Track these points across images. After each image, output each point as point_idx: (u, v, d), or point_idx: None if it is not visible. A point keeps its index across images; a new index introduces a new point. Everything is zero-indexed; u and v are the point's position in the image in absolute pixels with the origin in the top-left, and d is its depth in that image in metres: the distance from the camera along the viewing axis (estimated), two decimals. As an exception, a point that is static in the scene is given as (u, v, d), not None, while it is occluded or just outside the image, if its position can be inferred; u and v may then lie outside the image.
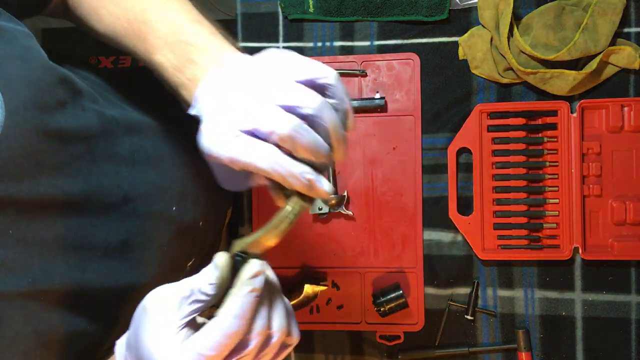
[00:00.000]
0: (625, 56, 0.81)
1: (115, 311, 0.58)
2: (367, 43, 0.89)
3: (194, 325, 0.43)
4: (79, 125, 0.50)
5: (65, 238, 0.49)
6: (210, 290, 0.42)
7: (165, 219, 0.63)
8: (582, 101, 0.83)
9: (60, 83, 0.49)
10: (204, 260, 0.77)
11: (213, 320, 0.41)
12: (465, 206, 0.86)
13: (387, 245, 0.88)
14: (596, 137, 0.84)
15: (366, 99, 0.88)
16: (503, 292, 0.87)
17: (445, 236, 0.88)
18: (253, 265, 0.42)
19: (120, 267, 0.56)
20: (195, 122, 0.68)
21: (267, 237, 0.44)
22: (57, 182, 0.48)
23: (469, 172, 0.86)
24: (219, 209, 0.81)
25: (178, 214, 0.65)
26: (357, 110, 0.88)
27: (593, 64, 0.80)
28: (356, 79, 0.88)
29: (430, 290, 0.88)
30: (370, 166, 0.89)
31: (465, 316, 0.86)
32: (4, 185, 0.43)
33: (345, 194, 0.88)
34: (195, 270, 0.72)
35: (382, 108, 0.87)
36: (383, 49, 0.88)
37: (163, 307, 0.42)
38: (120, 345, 0.47)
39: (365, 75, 0.88)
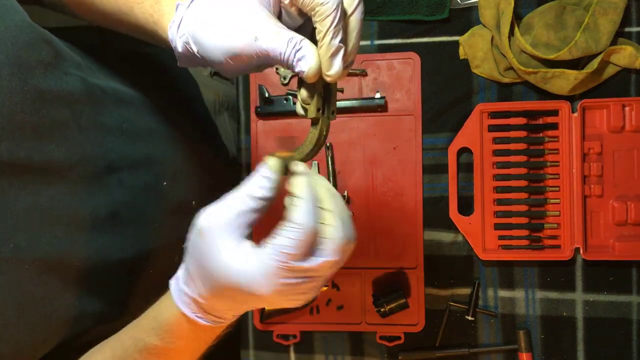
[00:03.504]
0: (626, 56, 0.80)
1: (109, 290, 0.57)
2: (367, 42, 0.88)
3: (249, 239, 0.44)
4: (61, 88, 0.49)
5: (50, 207, 0.48)
6: (267, 192, 0.43)
7: (155, 194, 0.62)
8: (583, 101, 0.82)
9: (41, 43, 0.48)
10: None
11: (284, 225, 0.42)
12: (465, 206, 0.86)
13: (387, 245, 0.88)
14: (597, 136, 0.84)
15: (366, 98, 0.87)
16: (504, 293, 0.86)
17: (445, 236, 0.87)
18: (304, 165, 0.44)
19: (111, 241, 0.55)
20: (191, 99, 0.68)
21: (303, 156, 0.47)
22: (40, 147, 0.47)
23: (470, 172, 0.86)
24: (216, 191, 0.80)
25: (169, 189, 0.65)
26: (357, 110, 0.88)
27: (594, 64, 0.79)
28: (356, 78, 0.88)
29: (431, 291, 0.88)
30: (370, 166, 0.88)
31: (466, 317, 0.86)
32: None
33: (346, 194, 0.88)
34: None
35: (383, 108, 0.87)
36: (383, 48, 0.88)
37: (222, 224, 0.42)
38: (176, 283, 0.47)
39: (366, 75, 0.88)
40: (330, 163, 0.88)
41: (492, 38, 0.84)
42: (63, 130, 0.49)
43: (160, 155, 0.64)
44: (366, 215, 0.88)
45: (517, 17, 0.84)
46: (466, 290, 0.87)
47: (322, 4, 0.40)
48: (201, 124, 0.83)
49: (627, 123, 0.83)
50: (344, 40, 0.42)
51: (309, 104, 0.45)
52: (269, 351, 0.91)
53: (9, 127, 0.44)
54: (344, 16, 0.42)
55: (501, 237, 0.85)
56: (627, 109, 0.82)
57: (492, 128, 0.85)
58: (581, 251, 0.82)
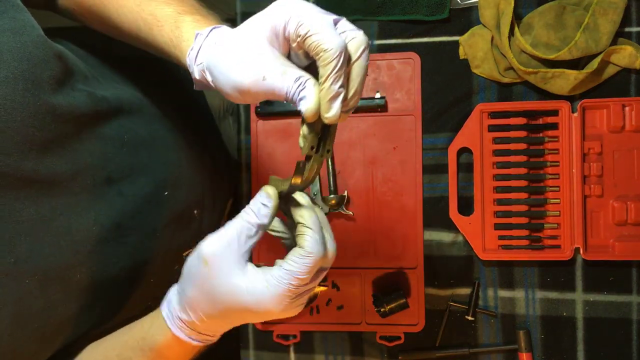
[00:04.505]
0: (626, 56, 0.80)
1: (107, 298, 0.57)
2: (367, 42, 0.88)
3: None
4: (70, 104, 0.50)
5: (52, 218, 0.48)
6: (266, 219, 0.46)
7: (156, 203, 0.62)
8: (583, 101, 0.82)
9: (54, 59, 0.48)
10: None
11: (296, 250, 0.46)
12: (465, 206, 0.86)
13: (387, 245, 0.88)
14: (597, 136, 0.84)
15: (366, 98, 0.87)
16: (504, 293, 0.86)
17: (445, 236, 0.87)
18: (303, 196, 0.49)
19: (113, 251, 0.56)
20: (196, 104, 0.67)
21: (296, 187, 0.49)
22: (44, 159, 0.47)
23: (470, 172, 0.86)
24: (217, 199, 0.80)
25: (171, 199, 0.65)
26: (358, 110, 0.88)
27: (594, 64, 0.79)
28: (356, 78, 0.88)
29: (431, 291, 0.88)
30: (370, 166, 0.88)
31: (466, 317, 0.86)
32: None
33: (346, 194, 0.88)
34: None
35: (383, 108, 0.87)
36: (383, 48, 0.88)
37: (226, 252, 0.45)
38: (169, 308, 0.49)
39: (366, 75, 0.88)
40: (330, 163, 0.88)
41: (492, 38, 0.84)
42: (65, 142, 0.50)
43: (162, 164, 0.64)
44: (366, 215, 0.88)
45: (517, 17, 0.84)
46: (466, 290, 0.87)
47: (325, 50, 0.41)
48: (205, 130, 0.83)
49: (627, 123, 0.83)
50: (345, 86, 0.44)
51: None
52: (269, 351, 0.91)
53: (19, 141, 0.45)
54: (348, 62, 0.43)
55: (501, 237, 0.85)
56: (627, 109, 0.82)
57: (492, 128, 0.85)
58: (581, 251, 0.82)
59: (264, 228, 0.47)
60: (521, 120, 0.84)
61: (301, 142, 0.48)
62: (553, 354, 0.86)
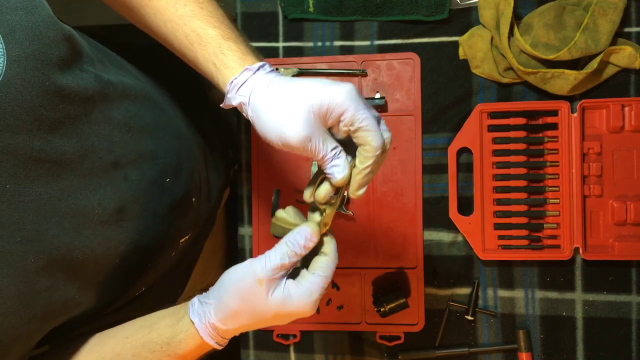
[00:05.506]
0: (625, 56, 0.81)
1: (106, 282, 0.58)
2: (367, 43, 0.88)
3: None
4: (77, 85, 0.50)
5: (59, 199, 0.49)
6: (307, 252, 0.54)
7: (158, 190, 0.63)
8: (582, 101, 0.83)
9: (63, 40, 0.49)
10: (197, 238, 0.78)
11: (324, 258, 0.55)
12: (465, 206, 0.86)
13: (387, 245, 0.88)
14: (597, 137, 0.84)
15: (366, 98, 0.87)
16: (503, 293, 0.87)
17: (445, 236, 0.87)
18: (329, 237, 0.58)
19: (114, 235, 0.57)
20: (198, 94, 0.73)
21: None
22: (53, 139, 0.48)
23: (470, 172, 0.86)
24: (213, 188, 0.81)
25: (171, 186, 0.66)
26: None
27: (594, 64, 0.80)
28: (356, 78, 0.88)
29: (431, 291, 0.88)
30: (370, 166, 0.88)
31: (466, 316, 0.86)
32: (1, 135, 0.43)
33: (346, 194, 0.88)
34: (188, 246, 0.74)
35: (382, 108, 0.87)
36: (383, 49, 0.88)
37: (277, 274, 0.52)
38: (203, 319, 0.54)
39: (366, 75, 0.88)
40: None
41: (492, 38, 0.84)
42: (74, 124, 0.51)
43: (164, 150, 0.65)
44: (366, 215, 0.88)
45: (517, 17, 0.84)
46: (466, 290, 0.87)
47: (372, 145, 0.50)
48: (204, 118, 0.83)
49: (627, 123, 0.83)
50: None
51: (321, 204, 0.56)
52: (269, 351, 0.91)
53: (28, 120, 0.45)
54: None
55: (501, 237, 0.85)
56: (626, 109, 0.83)
57: (491, 128, 0.85)
58: (581, 251, 0.82)
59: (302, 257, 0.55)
60: (521, 121, 0.84)
61: (308, 195, 0.56)
62: (553, 353, 0.86)
